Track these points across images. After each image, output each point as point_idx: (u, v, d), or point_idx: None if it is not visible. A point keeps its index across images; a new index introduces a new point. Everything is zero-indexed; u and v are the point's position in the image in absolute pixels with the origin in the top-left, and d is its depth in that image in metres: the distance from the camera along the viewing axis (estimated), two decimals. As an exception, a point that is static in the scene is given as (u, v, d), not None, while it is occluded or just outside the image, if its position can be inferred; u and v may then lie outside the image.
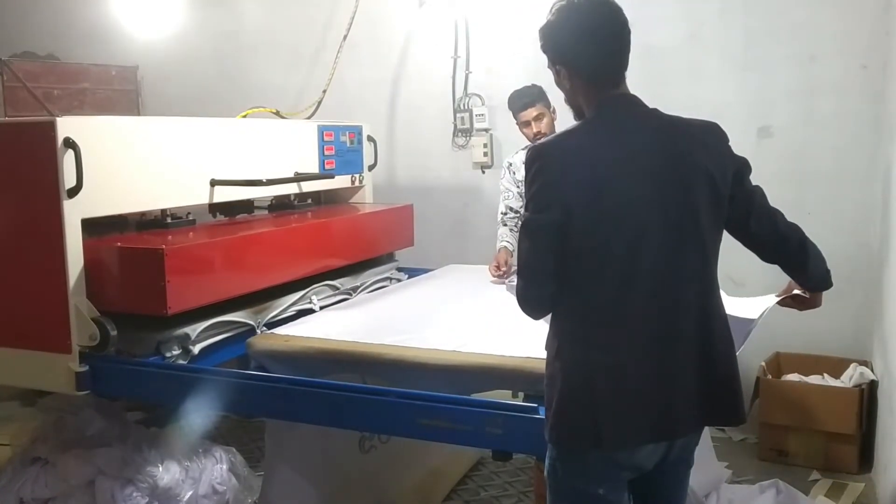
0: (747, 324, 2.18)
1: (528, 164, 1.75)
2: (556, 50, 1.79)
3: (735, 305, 2.31)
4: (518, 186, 3.78)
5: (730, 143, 1.83)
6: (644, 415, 1.70)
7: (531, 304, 1.78)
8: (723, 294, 2.37)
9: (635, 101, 1.79)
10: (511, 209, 3.83)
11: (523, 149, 3.77)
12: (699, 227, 1.73)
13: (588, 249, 1.69)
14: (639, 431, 1.71)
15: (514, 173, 3.78)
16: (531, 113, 3.61)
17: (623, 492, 1.83)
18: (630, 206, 1.69)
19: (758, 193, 1.88)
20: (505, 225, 3.82)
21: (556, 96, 3.82)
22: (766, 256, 1.94)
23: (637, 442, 1.73)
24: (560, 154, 1.73)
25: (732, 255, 4.46)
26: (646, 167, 1.70)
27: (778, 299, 2.13)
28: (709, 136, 1.81)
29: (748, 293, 4.19)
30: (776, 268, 4.43)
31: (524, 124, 3.65)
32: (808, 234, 4.18)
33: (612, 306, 1.70)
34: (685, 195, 1.71)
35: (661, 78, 4.15)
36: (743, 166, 1.84)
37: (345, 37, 4.47)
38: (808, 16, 3.86)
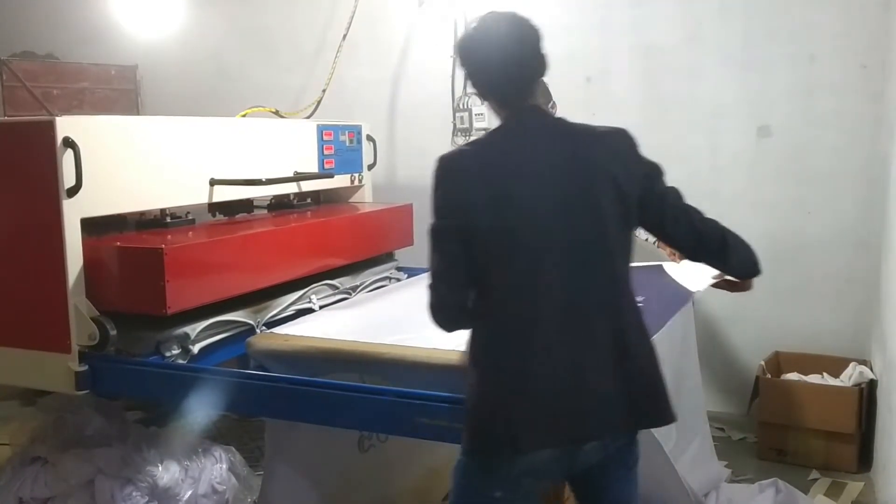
0: (687, 294, 2.26)
1: (433, 173, 1.81)
2: (464, 65, 1.86)
3: (680, 273, 2.51)
4: None
5: (639, 148, 1.86)
6: (557, 419, 1.71)
7: (443, 314, 1.81)
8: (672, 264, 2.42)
9: (540, 112, 1.86)
10: None
11: None
12: (605, 230, 1.76)
13: (493, 256, 1.74)
14: (551, 436, 1.72)
15: None
16: None
17: (523, 498, 1.81)
18: (531, 212, 1.73)
19: (671, 195, 1.90)
20: None
21: (557, 91, 3.84)
22: (688, 254, 1.98)
23: (549, 446, 1.74)
24: (460, 163, 1.79)
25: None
26: (547, 173, 1.75)
27: (713, 282, 2.20)
28: (614, 140, 1.85)
29: (747, 292, 4.20)
30: (771, 270, 4.40)
31: None
32: (807, 233, 4.22)
33: (521, 311, 1.73)
34: (589, 199, 1.75)
35: (660, 77, 4.16)
36: (653, 170, 1.87)
37: (344, 36, 4.47)
38: (807, 15, 3.86)
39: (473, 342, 1.80)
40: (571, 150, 1.79)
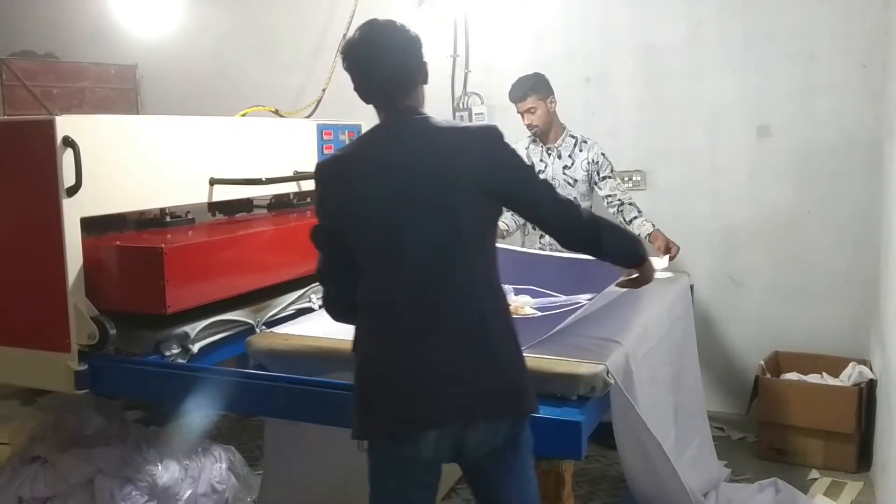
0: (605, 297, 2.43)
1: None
2: (346, 70, 1.94)
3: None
4: None
5: (508, 147, 1.93)
6: (406, 405, 1.81)
7: (331, 309, 2.02)
8: None
9: (412, 114, 1.92)
10: None
11: (533, 140, 3.81)
12: (460, 226, 1.84)
13: (361, 253, 1.88)
14: (402, 421, 1.82)
15: None
16: (524, 106, 3.73)
17: (419, 489, 1.89)
18: (390, 210, 1.84)
19: (541, 192, 1.97)
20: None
21: (557, 91, 3.83)
22: (563, 244, 2.06)
23: (405, 431, 1.83)
24: (332, 168, 1.94)
25: (732, 255, 4.47)
26: (406, 172, 1.85)
27: (616, 284, 2.32)
28: (480, 139, 1.92)
29: (747, 292, 4.23)
30: (771, 270, 4.46)
31: (520, 115, 3.75)
32: (807, 233, 4.22)
33: (383, 304, 1.86)
34: (445, 196, 1.84)
35: (660, 77, 4.16)
36: (522, 168, 1.96)
37: (344, 35, 4.44)
38: (807, 15, 3.86)
39: (355, 333, 1.94)
40: (433, 150, 1.88)
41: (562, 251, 3.58)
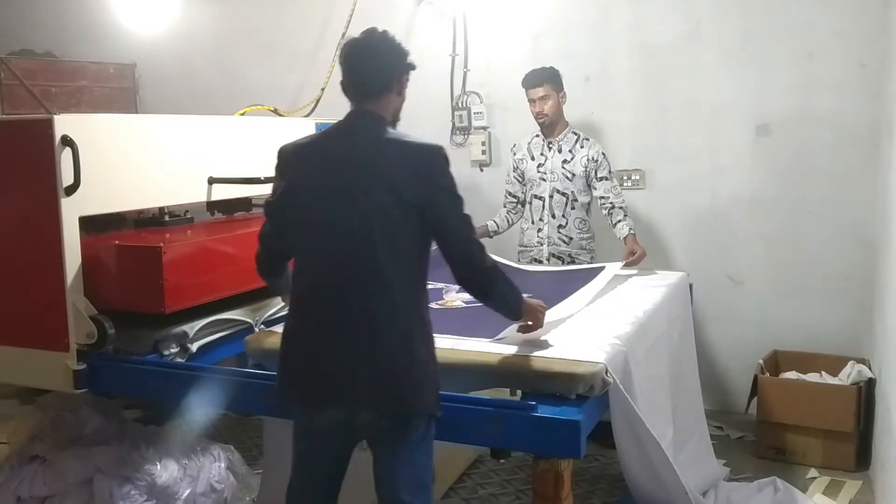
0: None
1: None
2: (339, 62, 2.13)
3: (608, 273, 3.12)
4: (515, 170, 3.93)
5: (444, 171, 2.03)
6: (304, 380, 2.03)
7: (258, 262, 2.25)
8: None
9: (368, 117, 2.07)
10: (510, 194, 3.93)
11: (537, 135, 3.82)
12: (370, 228, 1.96)
13: (292, 232, 2.08)
14: (302, 394, 2.05)
15: (514, 154, 3.96)
16: (537, 92, 3.77)
17: (321, 454, 2.11)
18: (313, 201, 2.03)
19: (457, 223, 2.05)
20: (504, 207, 4.01)
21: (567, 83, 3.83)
22: (458, 278, 2.12)
23: (301, 402, 2.07)
24: (288, 152, 2.12)
25: (731, 254, 4.47)
26: (339, 166, 2.01)
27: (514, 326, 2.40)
28: (416, 153, 2.04)
29: (747, 291, 4.24)
30: (770, 269, 4.47)
31: (531, 102, 3.80)
32: (806, 232, 4.24)
33: (303, 283, 2.06)
34: (364, 196, 1.97)
35: (659, 75, 4.15)
36: (445, 193, 2.03)
37: (343, 34, 4.45)
38: (806, 14, 3.86)
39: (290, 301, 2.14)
40: (371, 153, 2.02)
41: (534, 266, 3.68)
